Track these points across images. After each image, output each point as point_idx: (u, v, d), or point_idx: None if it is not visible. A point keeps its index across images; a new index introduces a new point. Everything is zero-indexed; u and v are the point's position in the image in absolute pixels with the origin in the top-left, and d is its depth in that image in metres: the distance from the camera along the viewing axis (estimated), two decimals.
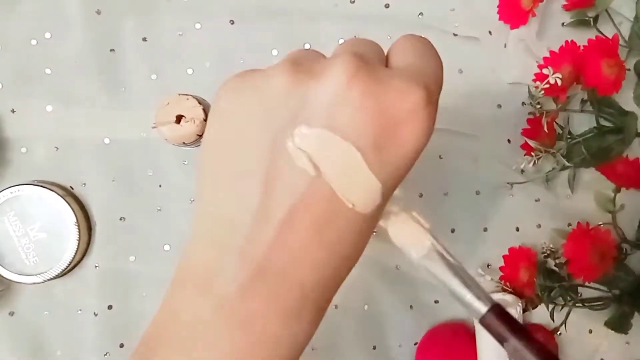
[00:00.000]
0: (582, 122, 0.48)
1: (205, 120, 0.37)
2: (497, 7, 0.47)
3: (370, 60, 0.22)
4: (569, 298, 0.47)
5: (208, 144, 0.23)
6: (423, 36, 0.24)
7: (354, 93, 0.20)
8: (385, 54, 0.25)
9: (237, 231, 0.21)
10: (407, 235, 0.24)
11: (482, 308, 0.23)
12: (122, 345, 0.47)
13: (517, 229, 0.49)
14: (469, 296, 0.23)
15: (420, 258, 0.23)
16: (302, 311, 0.21)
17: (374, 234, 0.23)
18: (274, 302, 0.21)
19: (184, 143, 0.38)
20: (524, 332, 0.23)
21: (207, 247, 0.22)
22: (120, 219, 0.47)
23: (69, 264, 0.45)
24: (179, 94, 0.37)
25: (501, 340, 0.23)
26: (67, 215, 0.44)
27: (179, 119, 0.37)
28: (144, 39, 0.46)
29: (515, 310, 0.45)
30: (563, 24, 0.48)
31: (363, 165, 0.21)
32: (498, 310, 0.23)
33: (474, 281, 0.24)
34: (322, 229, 0.21)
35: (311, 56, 0.23)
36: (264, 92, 0.21)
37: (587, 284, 0.47)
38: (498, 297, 0.47)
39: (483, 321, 0.23)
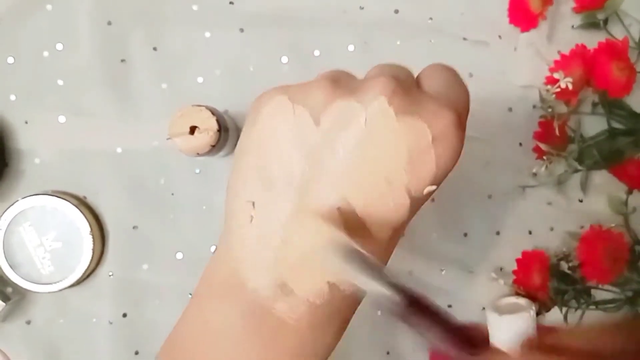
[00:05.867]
0: (594, 125, 0.48)
1: (218, 131, 0.38)
2: (507, 10, 0.47)
3: (406, 82, 0.23)
4: (582, 300, 0.47)
5: (244, 151, 0.23)
6: (450, 66, 0.25)
7: (392, 112, 0.21)
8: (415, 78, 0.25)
9: (268, 241, 0.21)
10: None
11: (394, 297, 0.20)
12: (137, 353, 0.47)
13: (530, 233, 0.49)
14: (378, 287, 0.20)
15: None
16: (329, 322, 0.22)
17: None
18: (303, 313, 0.21)
19: (197, 154, 0.38)
20: (440, 320, 0.20)
21: (238, 255, 0.22)
22: (133, 228, 0.47)
23: (84, 273, 0.45)
24: (193, 105, 0.38)
25: (419, 332, 0.20)
26: (81, 225, 0.45)
27: (192, 130, 0.37)
28: (154, 49, 0.47)
29: (529, 313, 0.45)
30: (573, 26, 0.48)
31: (400, 179, 0.21)
32: (411, 301, 0.20)
33: (382, 271, 0.20)
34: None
35: (347, 75, 0.24)
36: (303, 106, 0.22)
37: (600, 286, 0.47)
38: (511, 300, 0.47)
39: (395, 313, 0.20)
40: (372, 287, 0.20)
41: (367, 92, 0.21)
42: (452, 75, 0.25)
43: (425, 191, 0.22)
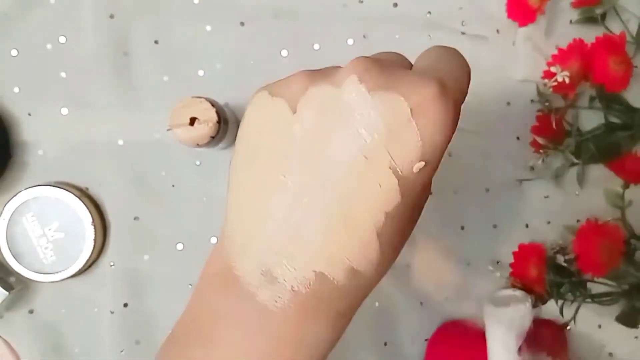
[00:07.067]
0: (591, 119, 0.48)
1: (218, 122, 0.38)
2: (506, 5, 0.47)
3: (385, 61, 0.22)
4: (578, 294, 0.48)
5: (236, 149, 0.24)
6: (449, 46, 0.24)
7: (364, 88, 0.21)
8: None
9: (256, 229, 0.21)
10: None
11: None
12: (137, 342, 0.48)
13: (527, 226, 0.49)
14: None
15: None
16: (319, 312, 0.22)
17: None
18: (287, 301, 0.21)
19: (197, 145, 0.38)
20: None
21: (229, 242, 0.22)
22: (135, 219, 0.48)
23: (86, 263, 0.46)
24: (193, 97, 0.38)
25: None
26: (83, 216, 0.45)
27: (192, 121, 0.38)
28: (156, 42, 0.47)
29: (525, 306, 0.46)
30: (571, 21, 0.48)
31: (381, 157, 0.21)
32: None
33: None
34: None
35: (332, 67, 0.24)
36: (281, 97, 0.22)
37: (596, 279, 0.47)
38: (508, 293, 0.47)
39: None
40: None
41: (340, 74, 0.21)
42: (447, 51, 0.24)
43: (415, 168, 0.21)
